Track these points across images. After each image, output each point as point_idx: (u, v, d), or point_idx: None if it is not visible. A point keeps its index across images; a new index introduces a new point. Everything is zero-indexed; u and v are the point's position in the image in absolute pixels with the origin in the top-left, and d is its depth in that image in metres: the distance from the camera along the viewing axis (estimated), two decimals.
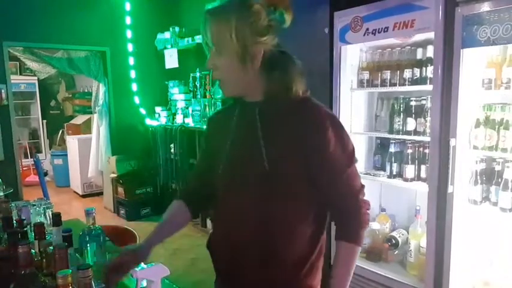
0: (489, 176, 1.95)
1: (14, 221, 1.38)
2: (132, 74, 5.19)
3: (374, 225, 2.46)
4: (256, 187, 1.06)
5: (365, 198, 1.12)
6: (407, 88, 2.24)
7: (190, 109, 4.62)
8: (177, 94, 4.95)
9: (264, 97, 1.09)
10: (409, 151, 2.26)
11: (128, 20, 5.07)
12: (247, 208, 1.08)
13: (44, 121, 7.89)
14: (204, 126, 1.29)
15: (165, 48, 4.97)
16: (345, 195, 1.09)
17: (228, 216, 1.15)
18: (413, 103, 2.25)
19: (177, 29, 4.86)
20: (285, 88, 1.07)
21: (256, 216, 1.07)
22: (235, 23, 1.02)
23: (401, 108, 2.30)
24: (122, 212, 5.01)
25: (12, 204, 1.62)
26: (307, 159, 1.04)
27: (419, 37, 2.19)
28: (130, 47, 5.13)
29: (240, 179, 1.09)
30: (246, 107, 1.12)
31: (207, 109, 4.45)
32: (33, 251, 1.10)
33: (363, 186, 1.11)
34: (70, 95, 8.16)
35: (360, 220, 1.09)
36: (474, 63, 1.90)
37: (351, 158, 1.08)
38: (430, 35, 1.99)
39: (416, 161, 2.26)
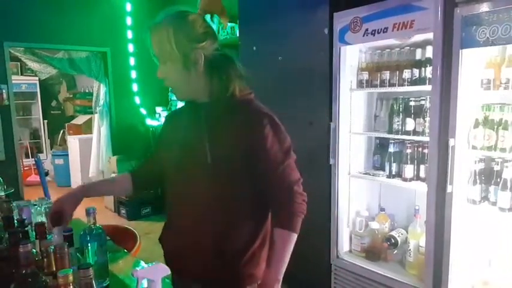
0: (488, 176, 1.96)
1: (15, 221, 1.39)
2: (133, 74, 5.20)
3: (373, 225, 2.47)
4: (200, 180, 1.18)
5: (301, 190, 1.21)
6: (407, 88, 2.24)
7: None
8: None
9: (208, 98, 1.20)
10: (408, 151, 2.27)
11: (129, 21, 5.08)
12: (191, 199, 1.20)
13: (45, 121, 7.91)
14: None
15: None
16: (280, 187, 1.18)
17: (175, 206, 1.29)
18: (412, 103, 2.26)
19: None
20: (225, 89, 1.18)
21: (200, 207, 1.19)
22: (173, 33, 1.14)
23: (401, 109, 2.30)
24: (123, 211, 5.02)
25: (13, 204, 1.62)
26: (246, 155, 1.15)
27: (418, 38, 2.19)
28: (131, 48, 5.14)
29: (185, 172, 1.21)
30: (195, 107, 1.23)
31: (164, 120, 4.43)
32: (34, 250, 1.11)
33: (299, 179, 1.21)
34: (71, 95, 8.17)
35: (293, 209, 1.18)
36: (473, 63, 1.90)
37: (286, 153, 1.18)
38: (429, 35, 2.00)
39: (416, 161, 2.27)
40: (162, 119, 4.94)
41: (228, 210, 1.19)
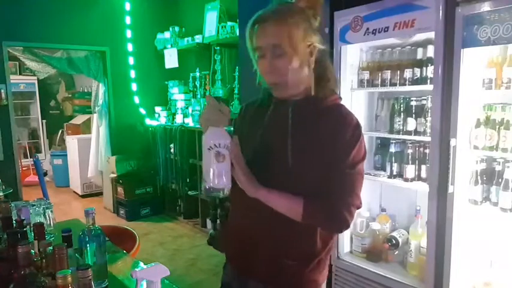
0: (489, 176, 1.95)
1: (14, 221, 1.37)
2: (132, 73, 5.19)
3: (374, 226, 2.46)
4: (277, 181, 1.10)
5: (352, 218, 1.09)
6: (408, 88, 2.23)
7: (190, 109, 4.62)
8: (176, 94, 4.94)
9: (303, 97, 1.14)
10: (410, 151, 2.26)
11: (128, 20, 5.07)
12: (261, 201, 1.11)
13: (44, 121, 7.89)
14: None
15: (165, 48, 4.97)
16: (337, 195, 1.09)
17: (246, 205, 1.15)
18: (413, 103, 2.25)
19: (177, 28, 4.86)
20: (323, 89, 1.14)
21: (273, 210, 1.10)
22: (304, 27, 1.07)
23: (402, 108, 2.30)
24: (122, 212, 5.00)
25: (12, 205, 1.61)
26: (326, 161, 1.09)
27: (419, 37, 2.19)
28: (130, 47, 5.13)
29: (263, 172, 1.11)
30: (281, 104, 1.16)
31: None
32: (32, 251, 1.10)
33: (358, 201, 1.11)
34: (70, 95, 8.16)
35: (327, 217, 1.09)
36: (474, 63, 1.90)
37: (357, 165, 1.10)
38: (431, 34, 1.99)
39: (417, 161, 2.26)
40: (162, 119, 4.93)
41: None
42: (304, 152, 1.10)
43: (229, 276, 1.29)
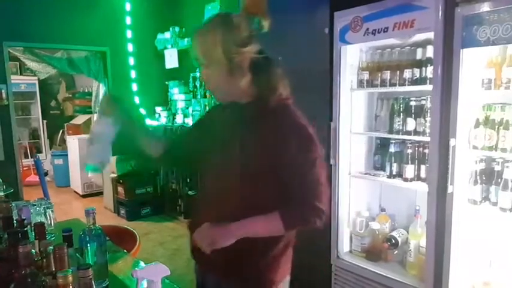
0: (489, 176, 1.96)
1: (15, 221, 1.38)
2: (132, 74, 5.20)
3: (374, 225, 2.46)
4: (227, 177, 1.20)
5: (320, 205, 1.18)
6: (407, 88, 2.24)
7: (190, 109, 4.63)
8: (177, 94, 4.95)
9: (251, 99, 1.20)
10: (409, 151, 2.27)
11: (128, 20, 5.08)
12: (218, 195, 1.23)
13: (44, 121, 7.90)
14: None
15: (165, 48, 4.98)
16: (301, 197, 1.18)
17: (203, 199, 1.34)
18: (413, 103, 2.25)
19: (177, 29, 4.87)
20: (272, 89, 1.19)
21: (225, 204, 1.21)
22: (221, 38, 1.13)
23: (401, 108, 2.30)
24: (122, 212, 5.01)
25: (13, 204, 1.61)
26: (273, 161, 1.15)
27: (419, 37, 2.19)
28: (130, 47, 5.14)
29: (216, 173, 1.24)
30: (236, 107, 1.23)
31: (207, 109, 4.45)
32: (33, 250, 1.10)
33: (320, 192, 1.19)
34: (70, 95, 8.17)
35: (301, 218, 1.18)
36: (474, 63, 1.90)
37: (312, 165, 1.17)
38: (430, 35, 1.99)
39: (416, 161, 2.26)
40: (162, 119, 4.94)
41: (252, 211, 1.18)
42: (250, 149, 1.17)
43: (195, 269, 1.41)
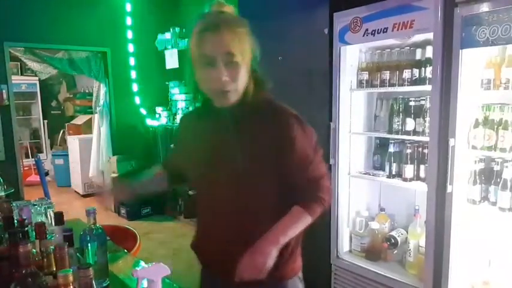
0: (488, 176, 1.96)
1: (15, 221, 1.39)
2: (133, 74, 5.20)
3: (373, 225, 2.47)
4: (232, 185, 1.17)
5: (328, 184, 1.23)
6: (407, 88, 2.24)
7: (190, 109, 4.63)
8: (177, 94, 4.95)
9: (238, 100, 1.15)
10: (408, 151, 2.27)
11: (129, 21, 5.08)
12: (225, 204, 1.19)
13: (45, 121, 7.91)
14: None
15: (166, 48, 4.98)
16: (309, 182, 1.19)
17: (208, 213, 1.27)
18: (412, 103, 2.26)
19: (177, 29, 4.87)
20: (257, 89, 1.17)
21: (233, 212, 1.18)
22: (250, 36, 1.13)
23: (401, 109, 2.30)
24: (123, 211, 5.01)
25: (13, 204, 1.62)
26: (276, 154, 1.14)
27: (418, 38, 2.20)
28: (131, 48, 5.14)
29: (217, 179, 1.19)
30: (219, 110, 1.17)
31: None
32: (34, 250, 1.11)
33: (326, 173, 1.23)
34: (71, 95, 8.17)
35: (317, 198, 1.18)
36: (473, 63, 1.90)
37: (314, 150, 1.20)
38: (429, 35, 2.00)
39: (416, 161, 2.27)
40: (163, 119, 4.94)
41: (259, 209, 1.17)
42: (251, 148, 1.14)
43: (209, 280, 1.34)
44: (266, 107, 1.18)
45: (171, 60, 4.91)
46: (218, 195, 1.20)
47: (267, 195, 1.18)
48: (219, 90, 1.12)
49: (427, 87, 2.08)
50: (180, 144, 1.42)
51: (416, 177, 2.27)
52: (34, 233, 1.29)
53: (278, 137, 1.14)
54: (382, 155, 2.51)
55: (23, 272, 0.96)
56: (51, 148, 7.87)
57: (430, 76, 2.06)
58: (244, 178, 1.15)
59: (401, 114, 2.30)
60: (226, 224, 1.19)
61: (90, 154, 5.60)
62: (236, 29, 1.09)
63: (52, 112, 8.26)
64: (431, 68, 2.05)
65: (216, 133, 1.20)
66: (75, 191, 6.25)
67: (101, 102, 5.19)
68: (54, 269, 1.06)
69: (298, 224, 1.16)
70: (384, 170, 2.46)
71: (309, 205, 1.17)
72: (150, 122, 5.11)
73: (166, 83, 5.14)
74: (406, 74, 2.23)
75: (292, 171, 1.17)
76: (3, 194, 2.83)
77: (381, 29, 2.17)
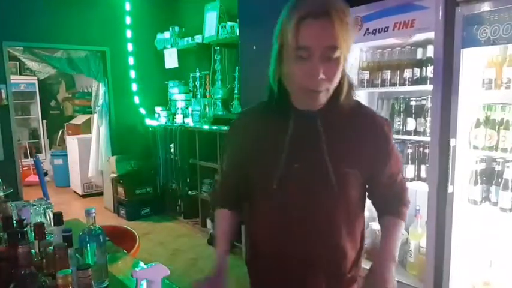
0: (489, 176, 1.95)
1: (14, 221, 1.38)
2: (132, 74, 5.19)
3: (374, 225, 2.46)
4: (322, 200, 1.03)
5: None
6: (408, 88, 2.24)
7: (190, 109, 4.63)
8: (177, 94, 4.95)
9: (327, 102, 0.99)
10: (409, 151, 2.26)
11: (128, 20, 5.07)
12: (304, 218, 1.03)
13: (44, 121, 7.90)
14: (227, 129, 1.22)
15: (165, 48, 4.97)
16: (402, 187, 1.16)
17: (278, 228, 1.07)
18: (413, 103, 2.25)
19: (177, 28, 4.86)
20: (351, 87, 1.01)
21: (314, 227, 1.04)
22: (353, 23, 0.98)
23: (402, 108, 2.30)
24: (122, 212, 5.01)
25: (12, 204, 1.61)
26: (372, 165, 1.06)
27: (419, 37, 2.19)
28: (130, 47, 5.13)
29: (303, 194, 1.02)
30: (303, 116, 1.01)
31: (207, 109, 4.45)
32: (33, 251, 1.10)
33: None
34: (70, 95, 8.16)
35: (406, 202, 1.16)
36: (474, 63, 1.90)
37: (401, 164, 1.16)
38: (430, 34, 1.99)
39: (416, 161, 2.26)
40: (162, 119, 4.93)
41: (345, 223, 1.06)
42: (345, 166, 1.02)
43: None
44: (358, 111, 1.05)
45: (171, 60, 4.90)
46: (297, 206, 1.03)
47: (354, 207, 1.07)
48: (310, 90, 0.94)
49: (428, 87, 2.08)
50: (243, 151, 1.12)
51: (417, 177, 2.27)
52: (33, 234, 1.28)
53: (376, 144, 1.04)
54: None
55: (22, 272, 0.96)
56: (50, 148, 7.86)
57: (431, 76, 2.06)
58: (333, 189, 1.00)
59: (402, 114, 2.29)
60: (302, 240, 1.04)
61: (89, 154, 5.60)
62: (345, 17, 0.89)
63: (51, 112, 8.25)
64: (432, 67, 2.04)
65: (298, 139, 1.01)
66: (74, 191, 6.24)
67: (100, 101, 5.18)
68: (54, 269, 1.05)
69: (400, 234, 1.13)
70: None
71: (401, 212, 1.14)
72: (149, 121, 5.10)
73: (166, 82, 5.14)
74: (407, 73, 2.23)
75: (385, 180, 1.10)
76: (2, 194, 2.82)
77: (382, 28, 2.17)
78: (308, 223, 1.04)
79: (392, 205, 1.15)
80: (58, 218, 1.32)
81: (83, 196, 6.01)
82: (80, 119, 7.16)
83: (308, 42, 0.89)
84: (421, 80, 2.17)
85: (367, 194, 1.14)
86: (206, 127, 4.14)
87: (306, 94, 0.96)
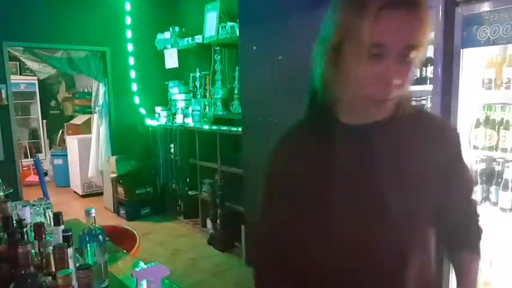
0: (489, 176, 1.95)
1: (14, 221, 1.38)
2: (132, 74, 5.19)
3: None
4: (384, 229, 0.83)
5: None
6: None
7: (190, 109, 4.63)
8: (177, 94, 4.95)
9: (390, 112, 0.82)
10: None
11: (128, 20, 5.07)
12: (362, 246, 0.85)
13: (44, 121, 7.90)
14: (271, 157, 0.95)
15: (165, 48, 4.98)
16: (474, 213, 0.97)
17: (328, 258, 0.88)
18: (413, 103, 2.25)
19: (177, 29, 4.87)
20: (410, 93, 0.85)
21: (386, 257, 0.85)
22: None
23: None
24: (122, 212, 5.01)
25: (12, 204, 1.61)
26: (444, 185, 0.87)
27: None
28: (130, 47, 5.13)
29: (361, 222, 0.84)
30: (354, 130, 0.83)
31: (207, 109, 4.45)
32: (33, 251, 1.10)
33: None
34: (70, 95, 8.17)
35: (480, 233, 0.97)
36: (474, 63, 1.90)
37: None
38: (430, 35, 1.99)
39: None
40: (162, 119, 4.94)
41: (411, 254, 0.87)
42: (410, 188, 0.83)
43: None
44: (423, 120, 0.88)
45: (171, 60, 4.90)
46: (354, 234, 0.84)
47: (421, 236, 0.89)
48: (376, 98, 0.77)
49: (428, 87, 2.08)
50: (290, 183, 0.91)
51: None
52: (33, 234, 1.28)
53: (447, 160, 0.86)
54: None
55: (22, 272, 0.96)
56: (50, 148, 7.86)
57: (431, 76, 2.05)
58: (398, 214, 0.82)
59: None
60: (359, 277, 0.86)
61: (89, 154, 5.60)
62: (425, 10, 0.73)
63: (51, 112, 8.25)
64: (432, 67, 2.04)
65: (355, 158, 0.83)
66: (74, 191, 6.24)
67: (100, 101, 5.18)
68: (53, 269, 1.05)
69: (477, 274, 0.95)
70: None
71: (477, 246, 0.95)
72: (149, 121, 5.11)
73: (166, 82, 5.14)
74: None
75: (457, 201, 0.92)
76: (2, 194, 2.83)
77: None
78: (365, 274, 0.86)
79: (468, 237, 0.95)
80: (58, 218, 1.32)
81: (83, 196, 6.01)
82: (80, 119, 7.17)
83: (385, 38, 0.71)
84: (421, 80, 2.17)
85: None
86: (206, 127, 4.15)
87: (368, 103, 0.79)
